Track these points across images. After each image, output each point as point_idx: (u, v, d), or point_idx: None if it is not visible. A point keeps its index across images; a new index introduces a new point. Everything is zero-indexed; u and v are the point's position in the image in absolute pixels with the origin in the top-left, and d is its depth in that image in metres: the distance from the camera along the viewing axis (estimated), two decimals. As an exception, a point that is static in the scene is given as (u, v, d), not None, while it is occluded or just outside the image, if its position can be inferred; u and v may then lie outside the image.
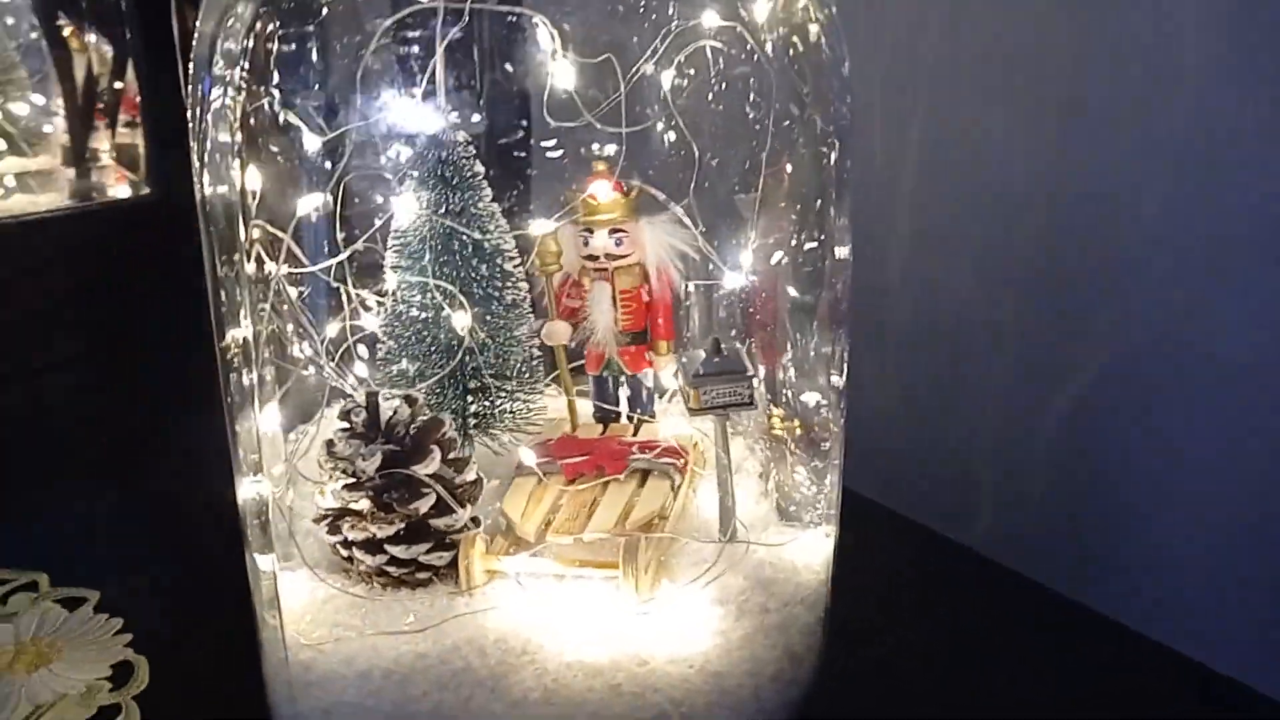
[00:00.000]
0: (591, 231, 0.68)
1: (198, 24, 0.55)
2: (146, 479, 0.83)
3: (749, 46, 0.59)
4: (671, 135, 0.65)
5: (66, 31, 1.28)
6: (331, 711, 0.52)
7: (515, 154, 0.75)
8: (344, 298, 0.62)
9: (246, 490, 0.53)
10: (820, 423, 0.60)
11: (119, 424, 0.90)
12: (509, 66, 0.70)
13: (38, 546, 0.77)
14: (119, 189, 1.21)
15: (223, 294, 0.52)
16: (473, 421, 0.67)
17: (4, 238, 1.00)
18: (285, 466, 0.59)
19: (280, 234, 0.61)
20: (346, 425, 0.57)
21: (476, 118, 0.68)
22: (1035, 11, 0.76)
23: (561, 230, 0.68)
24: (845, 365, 0.59)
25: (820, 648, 0.59)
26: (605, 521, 0.58)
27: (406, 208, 0.63)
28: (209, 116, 0.52)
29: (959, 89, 0.82)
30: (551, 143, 0.74)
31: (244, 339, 0.52)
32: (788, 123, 0.58)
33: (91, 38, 1.28)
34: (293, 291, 0.62)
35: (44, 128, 1.29)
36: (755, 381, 0.58)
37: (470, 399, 0.66)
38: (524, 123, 0.74)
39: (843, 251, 0.58)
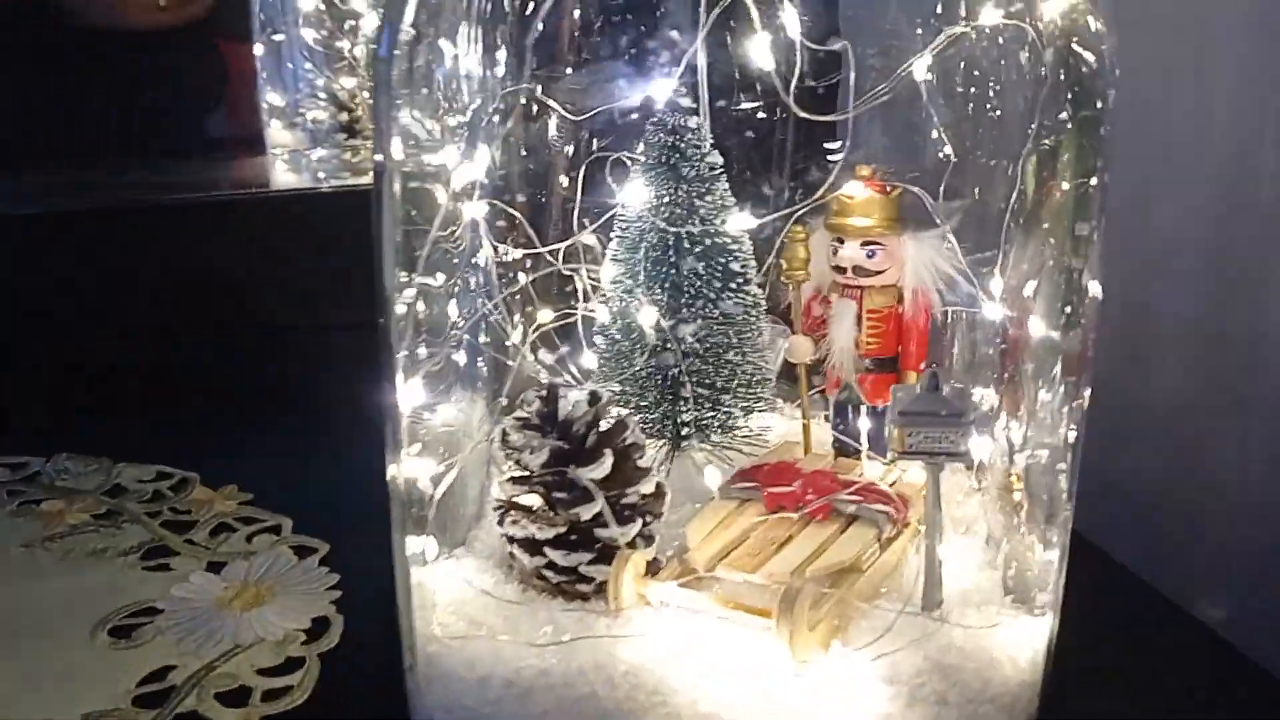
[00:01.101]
0: (842, 241, 0.61)
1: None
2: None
3: (1027, 48, 0.50)
4: (949, 148, 0.57)
5: None
6: (452, 711, 0.50)
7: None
8: (549, 286, 0.59)
9: (392, 468, 0.51)
10: (1049, 486, 0.50)
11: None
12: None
13: (300, 490, 0.81)
14: None
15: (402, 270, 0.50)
16: (685, 432, 0.62)
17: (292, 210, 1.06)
18: (465, 452, 0.56)
19: (515, 213, 0.60)
20: (523, 415, 0.54)
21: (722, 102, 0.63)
22: None
23: (813, 235, 0.62)
24: (1084, 421, 0.48)
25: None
26: (785, 564, 0.52)
27: (634, 196, 0.59)
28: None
29: None
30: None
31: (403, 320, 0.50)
32: (1050, 139, 0.49)
33: None
34: (521, 276, 0.61)
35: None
36: (975, 430, 0.49)
37: (684, 407, 0.61)
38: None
39: (1095, 287, 0.47)
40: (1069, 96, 0.47)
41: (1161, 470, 0.97)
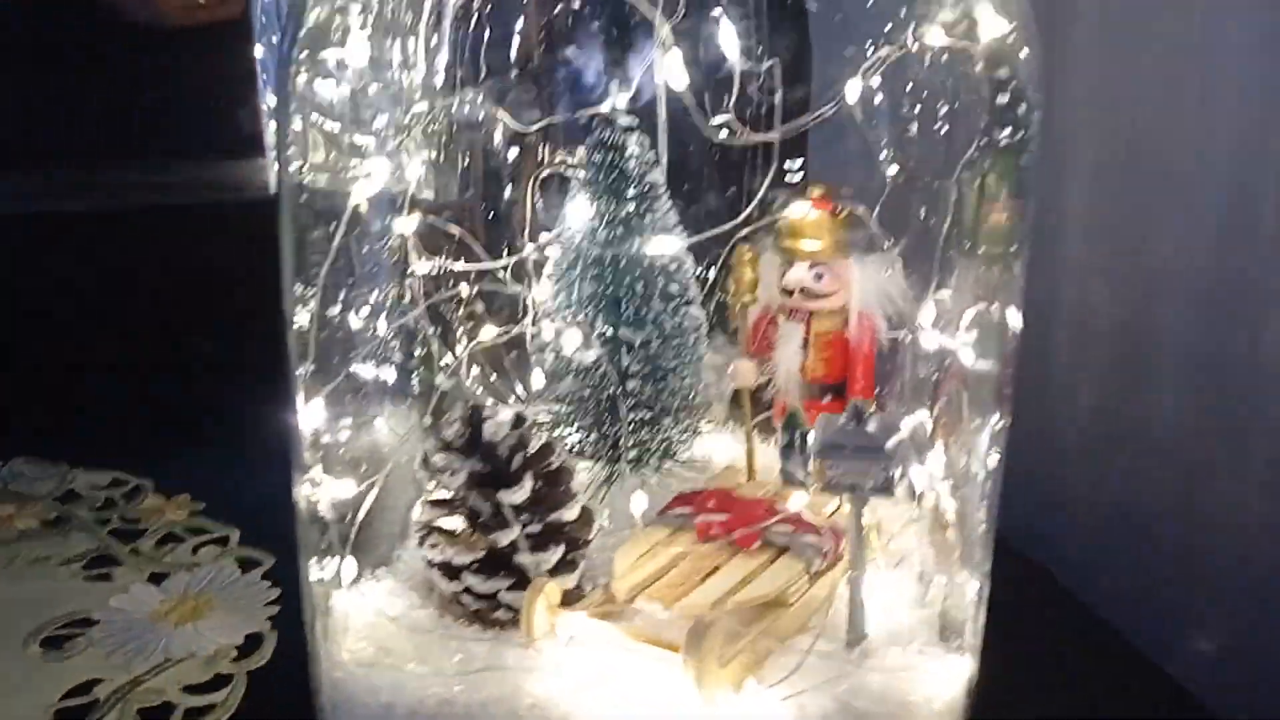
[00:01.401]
0: (790, 262, 0.60)
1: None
2: None
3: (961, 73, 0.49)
4: (894, 167, 0.56)
5: None
6: None
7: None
8: (464, 306, 0.58)
9: (303, 491, 0.50)
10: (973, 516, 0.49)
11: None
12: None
13: (262, 501, 0.80)
14: None
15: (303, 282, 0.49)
16: (624, 455, 0.60)
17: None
18: (383, 472, 0.55)
19: (452, 228, 0.59)
20: (446, 436, 0.53)
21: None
22: None
23: (762, 255, 0.61)
24: (1000, 451, 0.47)
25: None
26: (706, 596, 0.50)
27: (575, 213, 0.58)
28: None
29: None
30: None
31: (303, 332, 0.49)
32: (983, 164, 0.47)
33: None
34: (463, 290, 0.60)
35: None
36: (901, 462, 0.48)
37: (622, 429, 0.60)
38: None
39: (1015, 317, 0.46)
40: (994, 122, 0.46)
41: (1158, 496, 0.96)
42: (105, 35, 1.26)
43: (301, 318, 0.48)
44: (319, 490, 0.51)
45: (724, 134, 0.50)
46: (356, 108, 0.51)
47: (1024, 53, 0.46)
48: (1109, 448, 1.02)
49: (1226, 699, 0.66)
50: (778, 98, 0.53)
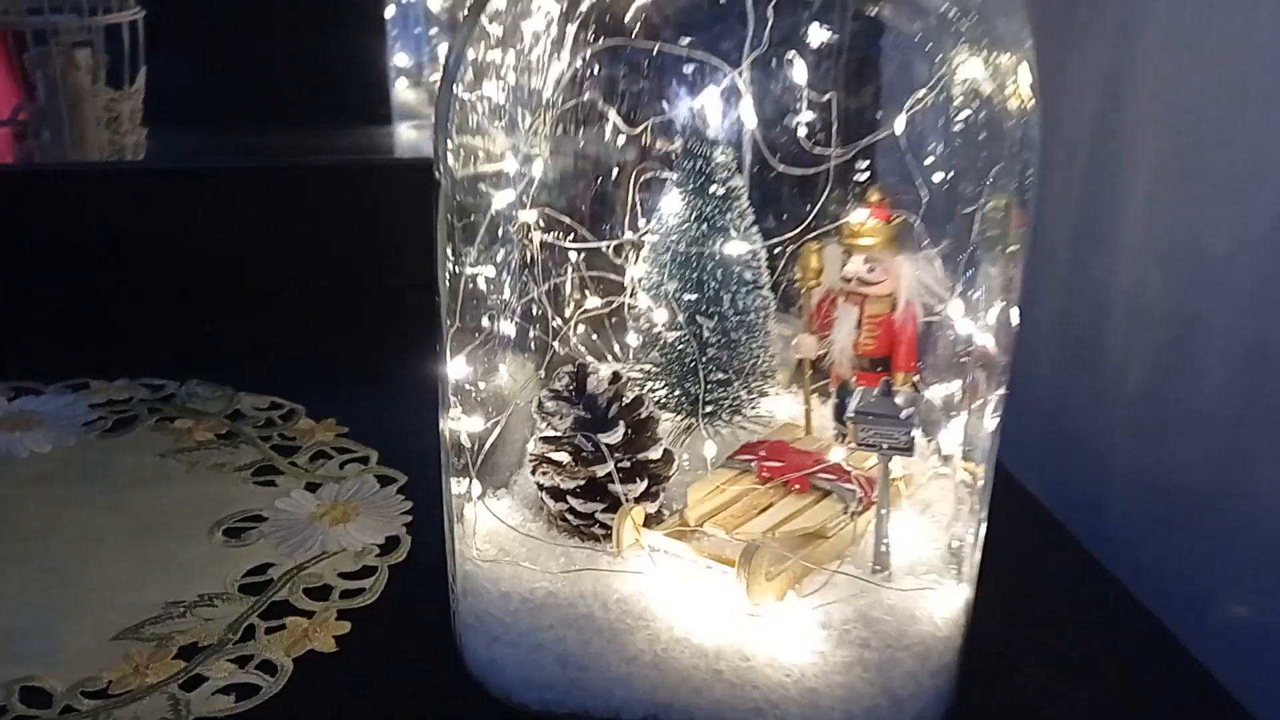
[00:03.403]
0: (849, 255, 0.71)
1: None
2: None
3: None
4: (940, 164, 0.67)
5: None
6: (482, 619, 0.63)
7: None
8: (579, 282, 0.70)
9: (446, 424, 0.64)
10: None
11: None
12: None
13: (389, 427, 0.94)
14: None
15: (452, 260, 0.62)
16: (707, 410, 0.73)
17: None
18: (507, 411, 0.69)
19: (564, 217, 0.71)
20: (556, 387, 0.66)
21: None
22: None
23: (826, 249, 0.72)
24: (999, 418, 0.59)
25: (930, 698, 0.60)
26: (760, 525, 0.63)
27: (668, 207, 0.70)
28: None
29: None
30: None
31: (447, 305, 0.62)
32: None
33: None
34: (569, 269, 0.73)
35: None
36: (915, 430, 0.60)
37: (700, 389, 0.72)
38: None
39: (1014, 315, 0.57)
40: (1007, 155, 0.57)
41: (1197, 478, 1.06)
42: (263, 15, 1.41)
43: (450, 280, 0.61)
44: (458, 424, 0.64)
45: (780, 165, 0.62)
46: (500, 112, 0.64)
47: (1028, 93, 0.57)
48: (1154, 428, 1.12)
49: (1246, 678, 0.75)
50: (834, 128, 0.64)
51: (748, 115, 0.62)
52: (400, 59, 1.60)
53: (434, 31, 1.62)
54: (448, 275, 0.62)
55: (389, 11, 1.58)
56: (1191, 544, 0.99)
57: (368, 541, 0.79)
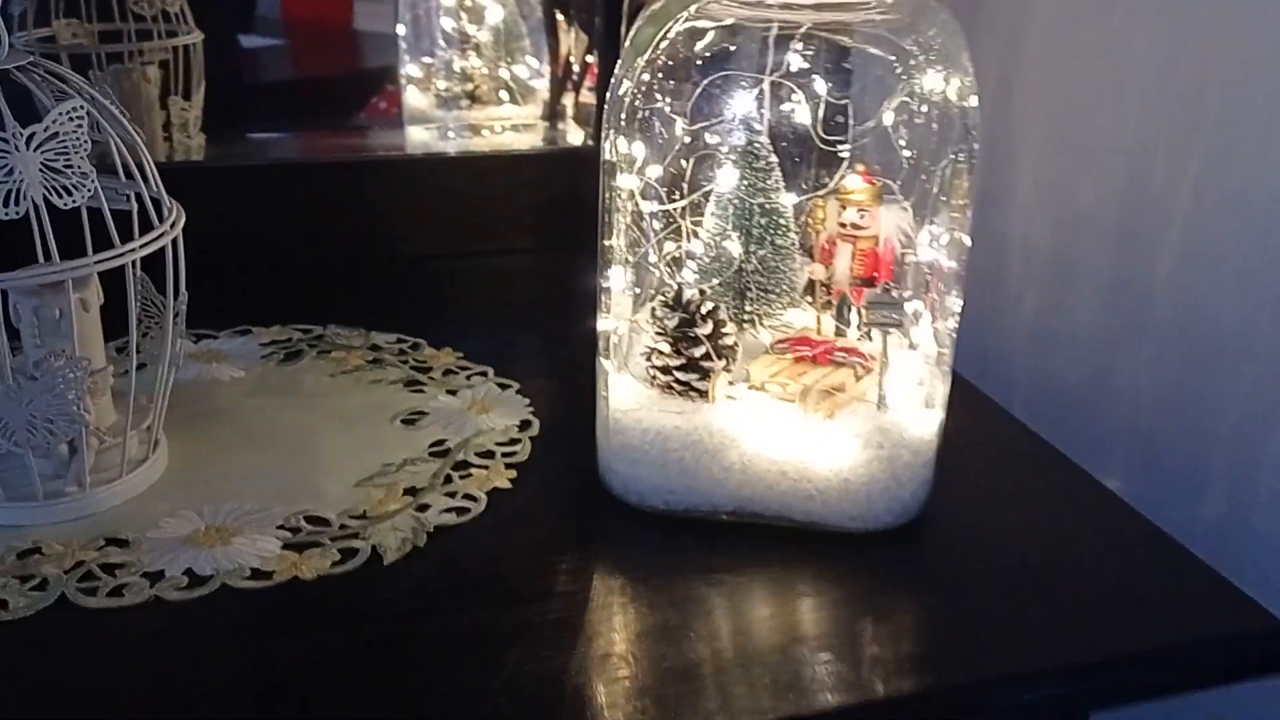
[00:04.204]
0: (844, 207, 1.05)
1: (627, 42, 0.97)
2: (565, 323, 1.29)
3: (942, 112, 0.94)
4: (907, 152, 1.00)
5: (559, 16, 1.78)
6: (627, 448, 0.95)
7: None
8: (683, 230, 1.03)
9: (601, 324, 0.96)
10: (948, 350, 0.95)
11: (556, 287, 1.40)
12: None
13: (496, 352, 1.26)
14: (575, 138, 1.70)
15: (607, 217, 0.94)
16: (746, 316, 1.06)
17: (494, 166, 1.51)
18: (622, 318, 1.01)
19: (654, 185, 1.04)
20: (664, 299, 0.98)
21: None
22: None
23: (830, 203, 1.06)
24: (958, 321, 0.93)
25: (920, 480, 0.94)
26: (804, 380, 0.96)
27: (725, 178, 1.03)
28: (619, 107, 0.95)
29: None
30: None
31: (612, 246, 0.95)
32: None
33: (574, 23, 1.76)
34: (657, 225, 1.05)
35: (534, 84, 1.80)
36: (908, 313, 0.94)
37: (747, 303, 1.05)
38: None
39: (966, 239, 0.92)
40: (958, 138, 0.91)
41: (1078, 375, 1.42)
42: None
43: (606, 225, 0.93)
44: (605, 323, 0.97)
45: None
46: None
47: (973, 99, 0.91)
48: (1043, 341, 1.51)
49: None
50: (850, 121, 0.97)
51: (784, 115, 0.95)
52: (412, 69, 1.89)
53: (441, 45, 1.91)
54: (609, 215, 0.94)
55: (400, 29, 1.87)
56: (1077, 431, 1.35)
57: (507, 423, 1.11)
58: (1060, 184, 1.50)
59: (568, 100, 1.76)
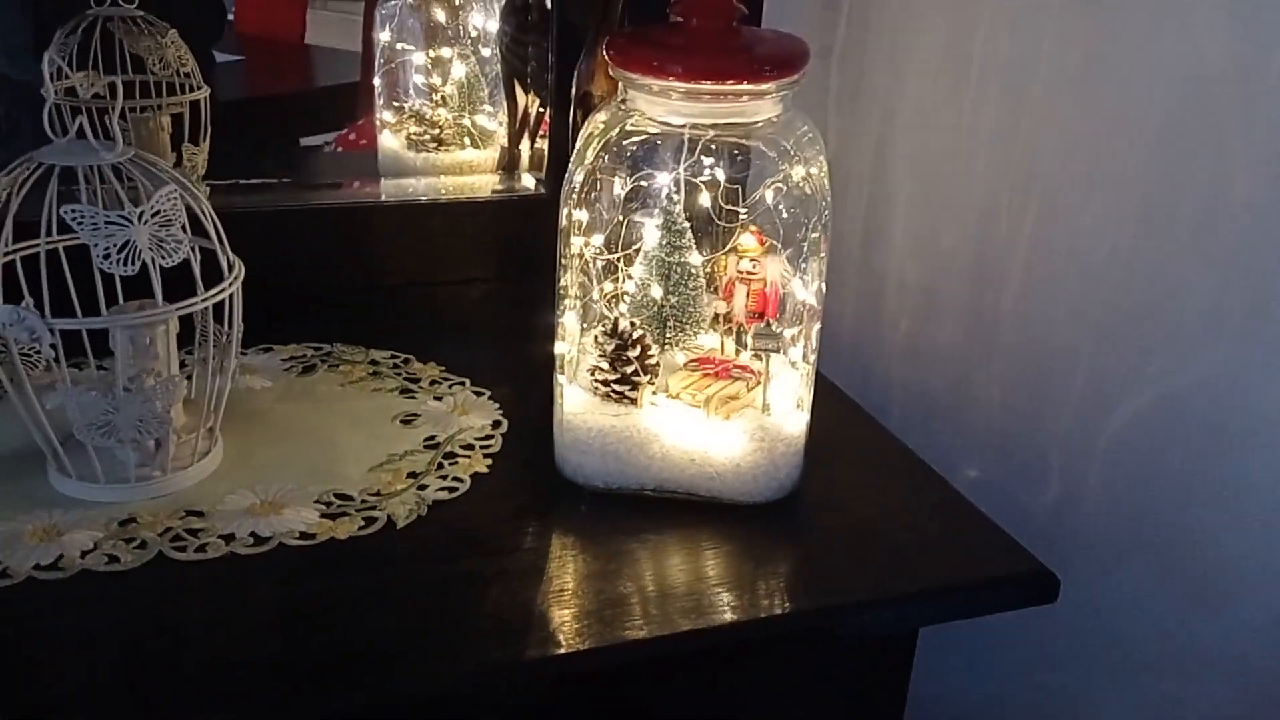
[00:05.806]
0: (740, 259, 1.39)
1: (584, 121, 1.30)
2: (527, 341, 1.61)
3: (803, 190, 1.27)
4: (785, 214, 1.34)
5: (516, 85, 2.07)
6: (575, 442, 1.28)
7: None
8: (619, 275, 1.35)
9: (558, 348, 1.29)
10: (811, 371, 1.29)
11: (518, 311, 1.72)
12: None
13: (471, 365, 1.57)
14: (527, 185, 2.01)
15: (563, 263, 1.27)
16: (666, 342, 1.39)
17: (462, 210, 1.82)
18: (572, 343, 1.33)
19: (596, 246, 1.36)
20: (604, 329, 1.31)
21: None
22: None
23: (730, 256, 1.39)
24: (818, 340, 1.27)
25: (794, 466, 1.28)
26: (709, 391, 1.29)
27: (650, 239, 1.36)
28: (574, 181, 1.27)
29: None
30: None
31: (566, 286, 1.27)
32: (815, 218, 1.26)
33: (530, 89, 2.05)
34: (599, 271, 1.37)
35: (492, 128, 2.10)
36: (784, 341, 1.27)
37: (667, 332, 1.38)
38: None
39: (822, 288, 1.26)
40: (818, 216, 1.25)
41: (941, 379, 1.74)
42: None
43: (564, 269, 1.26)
44: (559, 348, 1.29)
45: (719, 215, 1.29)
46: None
47: (826, 183, 1.25)
48: (912, 355, 1.85)
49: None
50: (743, 196, 1.30)
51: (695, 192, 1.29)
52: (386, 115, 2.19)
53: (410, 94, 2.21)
54: (564, 265, 1.27)
55: (376, 81, 2.17)
56: (941, 431, 1.69)
57: (483, 423, 1.43)
58: (926, 230, 1.75)
59: (522, 149, 2.06)
